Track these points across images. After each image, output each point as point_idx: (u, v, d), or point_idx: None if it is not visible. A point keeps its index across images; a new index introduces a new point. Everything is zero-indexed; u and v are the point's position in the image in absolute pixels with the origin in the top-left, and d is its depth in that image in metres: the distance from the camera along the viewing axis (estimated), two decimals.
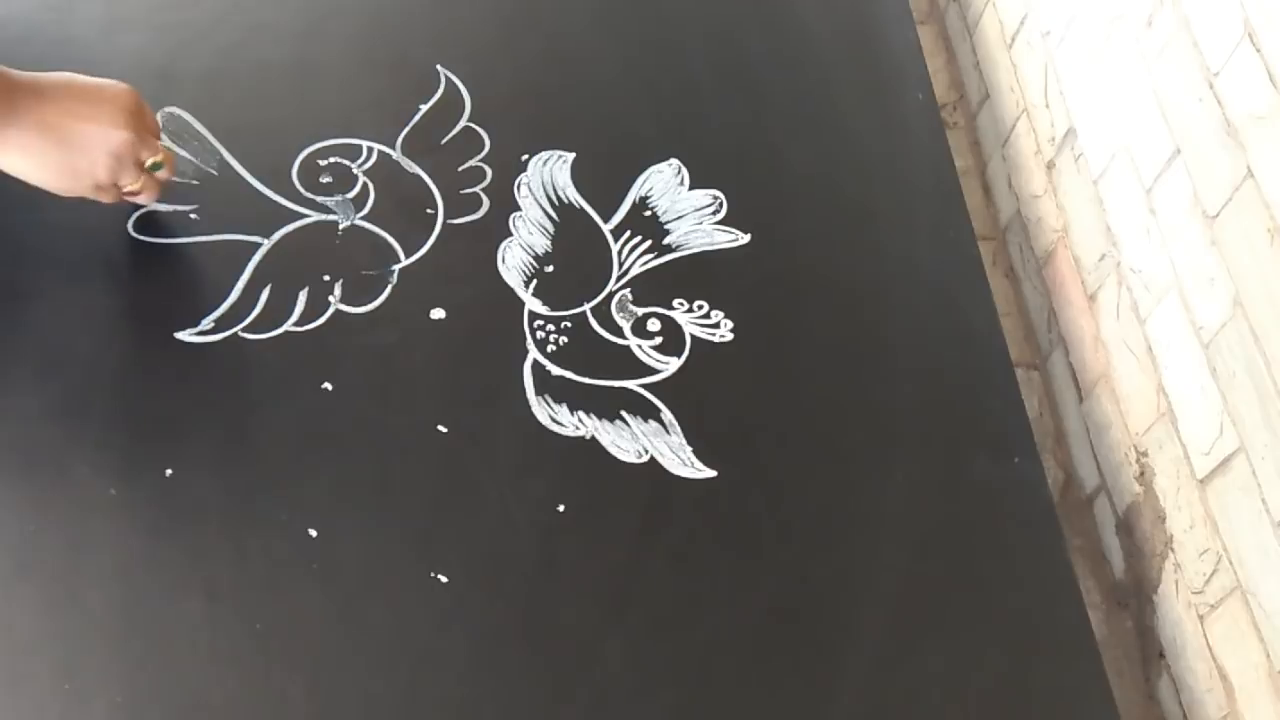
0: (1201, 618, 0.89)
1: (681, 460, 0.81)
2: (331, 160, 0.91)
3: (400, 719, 0.71)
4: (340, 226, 0.88)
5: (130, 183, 0.78)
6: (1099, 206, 1.03)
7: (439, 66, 0.97)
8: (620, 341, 0.86)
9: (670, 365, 0.85)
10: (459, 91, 0.96)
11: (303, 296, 0.85)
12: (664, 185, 0.94)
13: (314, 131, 0.92)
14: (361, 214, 0.89)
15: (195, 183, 0.88)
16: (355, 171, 0.91)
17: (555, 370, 0.84)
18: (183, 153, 0.89)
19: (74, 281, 0.83)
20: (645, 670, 0.74)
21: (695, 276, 0.89)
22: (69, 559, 0.73)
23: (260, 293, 0.84)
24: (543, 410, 0.82)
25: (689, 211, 0.93)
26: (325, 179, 0.90)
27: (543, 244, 0.90)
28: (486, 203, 0.91)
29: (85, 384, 0.79)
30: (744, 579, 0.77)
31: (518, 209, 0.91)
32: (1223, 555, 0.85)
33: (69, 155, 0.74)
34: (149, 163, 0.78)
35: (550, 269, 0.88)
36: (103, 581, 0.73)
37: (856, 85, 1.03)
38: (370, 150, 0.92)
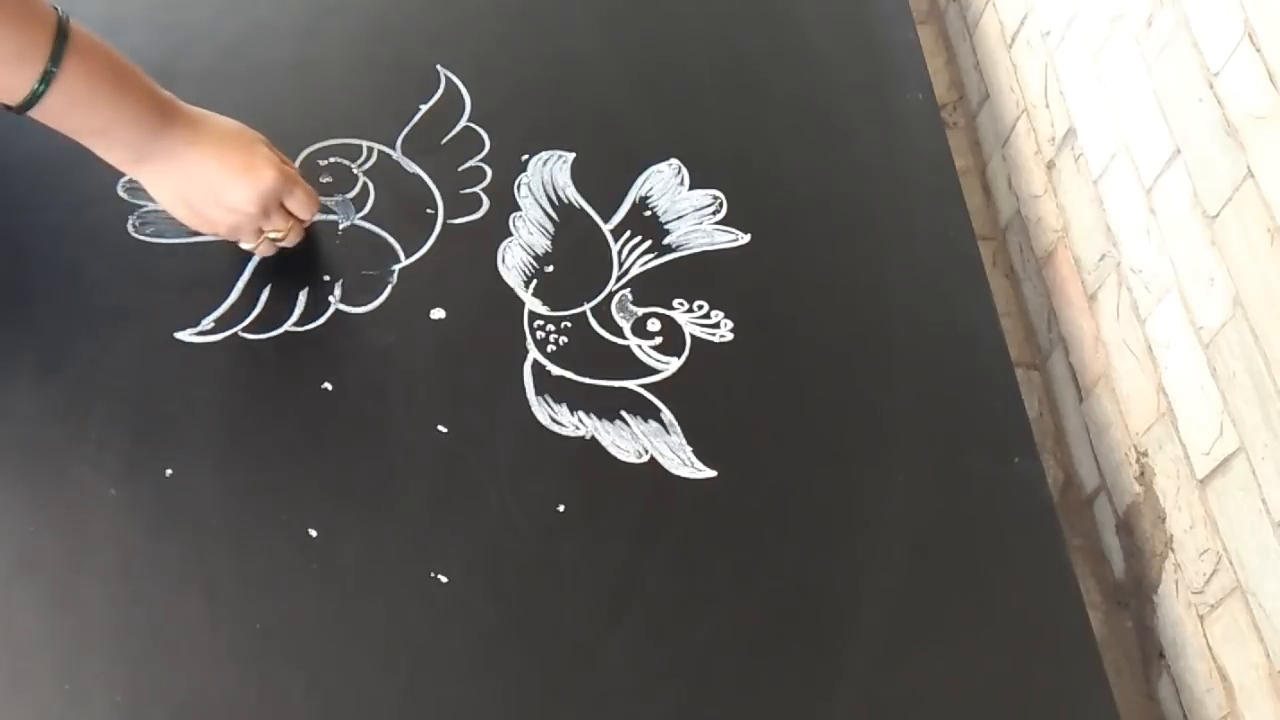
0: (1201, 618, 0.89)
1: (681, 460, 0.81)
2: (331, 160, 0.91)
3: (400, 719, 0.71)
4: (340, 226, 0.88)
5: (248, 241, 0.82)
6: (1099, 206, 1.03)
7: (439, 66, 0.98)
8: (620, 341, 0.86)
9: (670, 365, 0.85)
10: (459, 91, 0.96)
11: (303, 296, 0.85)
12: (664, 185, 0.94)
13: (314, 131, 0.92)
14: (361, 214, 0.89)
15: None
16: (355, 171, 0.91)
17: (555, 370, 0.84)
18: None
19: (74, 281, 0.84)
20: (645, 670, 0.74)
21: (695, 276, 0.89)
22: (69, 559, 0.73)
23: (260, 293, 0.84)
24: (543, 410, 0.82)
25: (689, 211, 0.93)
26: (325, 179, 0.90)
27: (543, 244, 0.90)
28: (486, 203, 0.91)
29: (85, 384, 0.79)
30: (744, 579, 0.77)
31: (518, 209, 0.91)
32: (1223, 555, 0.85)
33: (195, 205, 0.77)
34: (269, 234, 0.81)
35: (550, 269, 0.88)
36: (103, 581, 0.73)
37: (856, 85, 1.03)
38: (370, 150, 0.92)
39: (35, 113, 0.69)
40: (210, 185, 0.75)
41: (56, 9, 0.68)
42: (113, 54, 0.71)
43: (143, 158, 0.74)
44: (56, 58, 0.67)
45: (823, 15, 1.07)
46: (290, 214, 0.81)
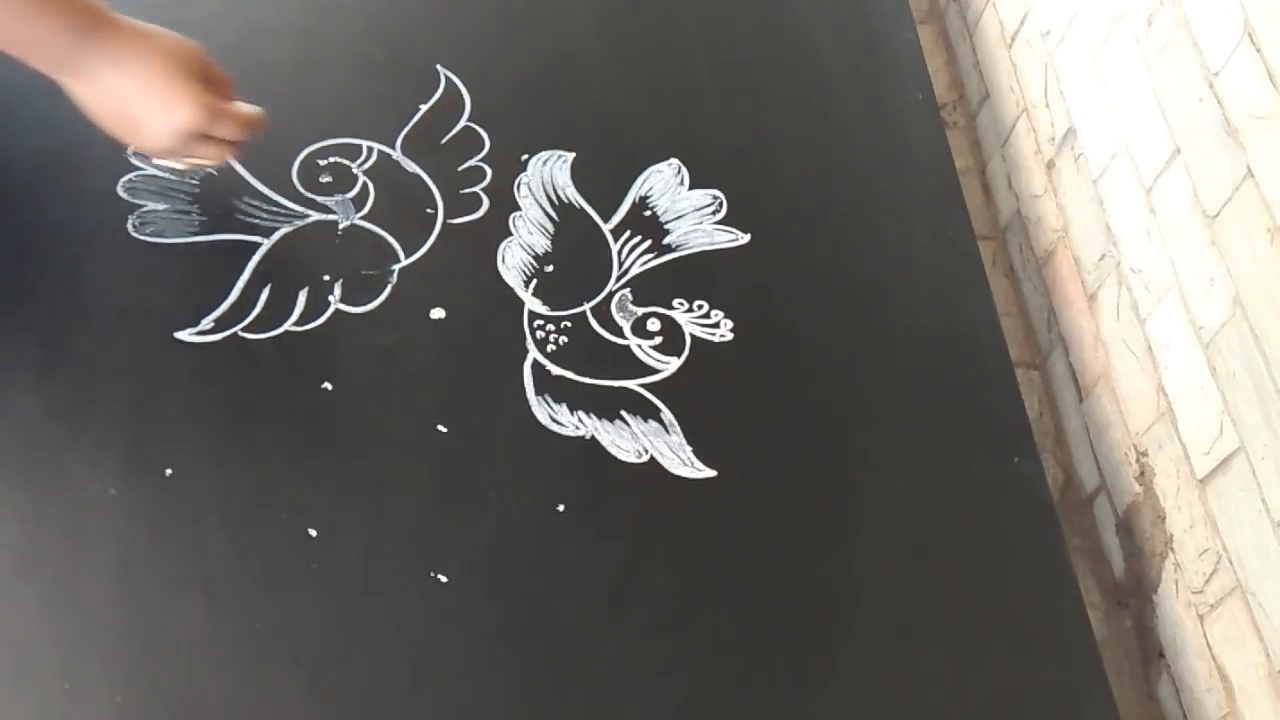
0: (1201, 618, 0.89)
1: (681, 460, 0.81)
2: (331, 160, 0.91)
3: (400, 719, 0.71)
4: (340, 226, 0.88)
5: (178, 164, 0.81)
6: (1099, 206, 1.03)
7: (439, 66, 0.97)
8: (620, 341, 0.86)
9: (670, 365, 0.85)
10: (459, 91, 0.96)
11: (303, 296, 0.85)
12: (664, 185, 0.94)
13: (314, 131, 0.92)
14: (361, 214, 0.89)
15: (195, 182, 0.88)
16: (355, 171, 0.91)
17: (555, 370, 0.84)
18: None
19: (74, 281, 0.83)
20: (645, 670, 0.74)
21: (695, 276, 0.89)
22: (69, 559, 0.73)
23: (260, 293, 0.84)
24: (543, 410, 0.82)
25: (689, 211, 0.93)
26: (325, 179, 0.90)
27: (543, 244, 0.90)
28: (486, 203, 0.91)
29: (85, 384, 0.79)
30: (744, 579, 0.77)
31: (518, 209, 0.91)
32: (1223, 555, 0.85)
33: (117, 126, 0.74)
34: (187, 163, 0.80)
35: (550, 269, 0.88)
36: (103, 581, 0.73)
37: (856, 85, 1.03)
38: (370, 150, 0.92)
39: None
40: (130, 113, 0.73)
41: None
42: None
43: (66, 71, 0.72)
44: None
45: (823, 15, 1.07)
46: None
